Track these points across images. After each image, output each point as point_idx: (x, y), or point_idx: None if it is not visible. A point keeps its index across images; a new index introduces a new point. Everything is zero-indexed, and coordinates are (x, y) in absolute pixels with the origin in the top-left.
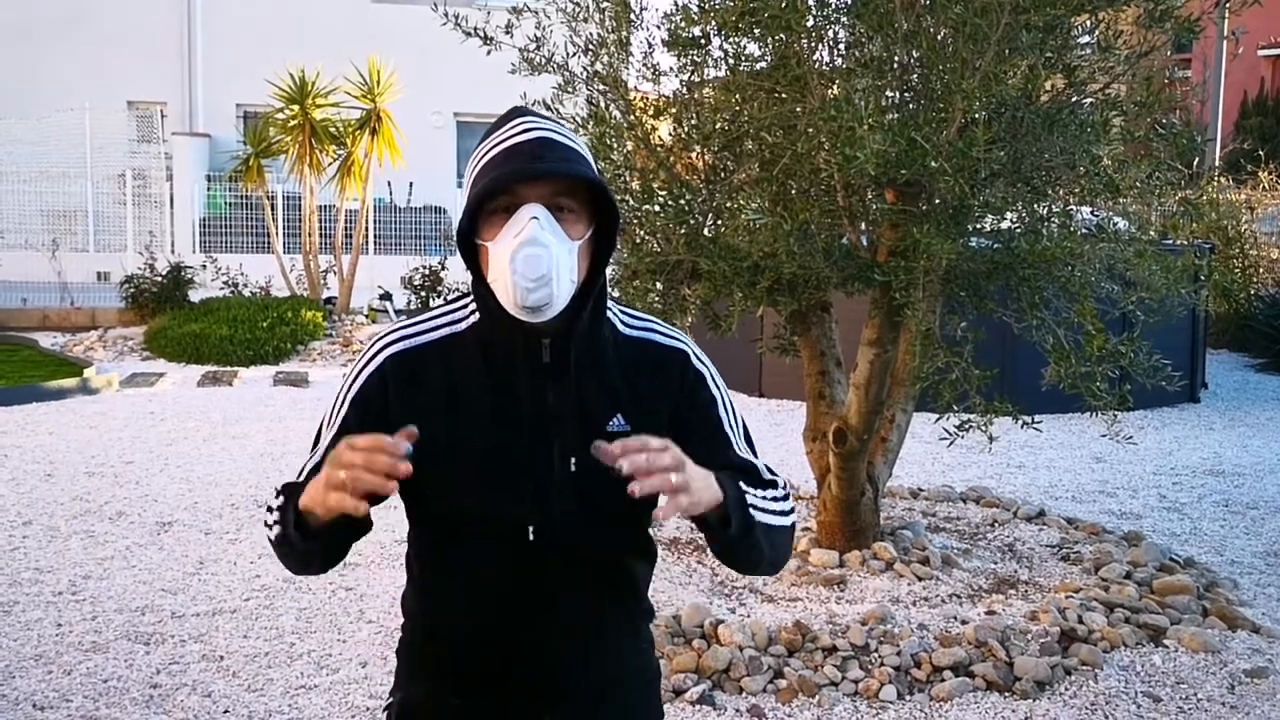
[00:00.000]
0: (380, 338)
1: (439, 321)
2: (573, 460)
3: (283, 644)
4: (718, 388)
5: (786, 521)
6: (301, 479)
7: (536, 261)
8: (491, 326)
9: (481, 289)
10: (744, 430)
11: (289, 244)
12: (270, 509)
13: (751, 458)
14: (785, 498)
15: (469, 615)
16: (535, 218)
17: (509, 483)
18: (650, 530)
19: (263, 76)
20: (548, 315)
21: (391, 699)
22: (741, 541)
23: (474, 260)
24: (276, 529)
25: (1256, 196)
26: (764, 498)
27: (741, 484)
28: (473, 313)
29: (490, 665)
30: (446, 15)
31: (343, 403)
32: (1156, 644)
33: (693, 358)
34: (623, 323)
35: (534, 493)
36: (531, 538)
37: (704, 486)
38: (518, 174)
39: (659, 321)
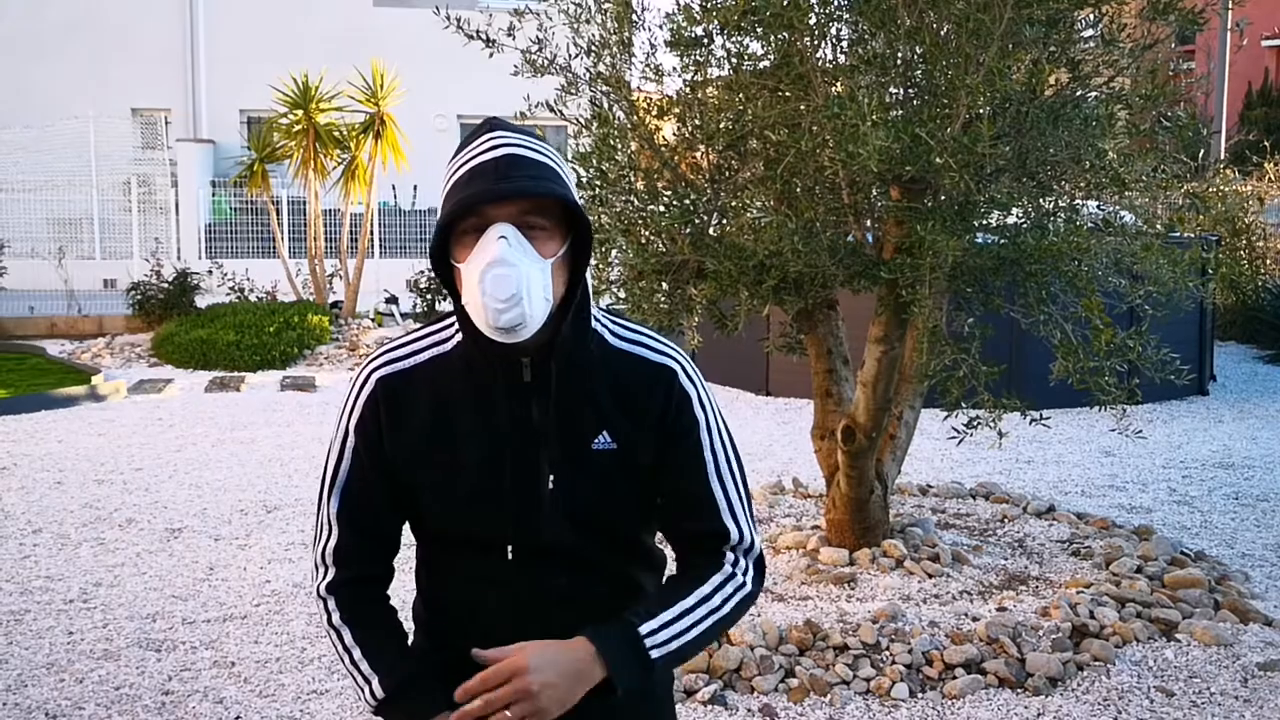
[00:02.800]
0: (369, 362)
1: (426, 342)
2: (561, 478)
3: (294, 649)
4: (704, 408)
5: (729, 605)
6: (339, 534)
7: (505, 282)
8: (473, 346)
9: (461, 309)
10: (727, 451)
11: (294, 248)
12: (334, 625)
13: (720, 490)
14: (740, 568)
15: (472, 627)
16: (503, 237)
17: (494, 502)
18: (654, 538)
19: (266, 82)
20: (523, 335)
21: None
22: (650, 677)
23: (451, 281)
24: (368, 703)
25: (1263, 188)
26: (693, 603)
27: (649, 624)
28: (458, 331)
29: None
30: (448, 18)
31: (347, 432)
32: (1168, 638)
33: (680, 376)
34: (611, 333)
35: (519, 511)
36: (510, 556)
37: (563, 691)
38: (483, 195)
39: (650, 333)
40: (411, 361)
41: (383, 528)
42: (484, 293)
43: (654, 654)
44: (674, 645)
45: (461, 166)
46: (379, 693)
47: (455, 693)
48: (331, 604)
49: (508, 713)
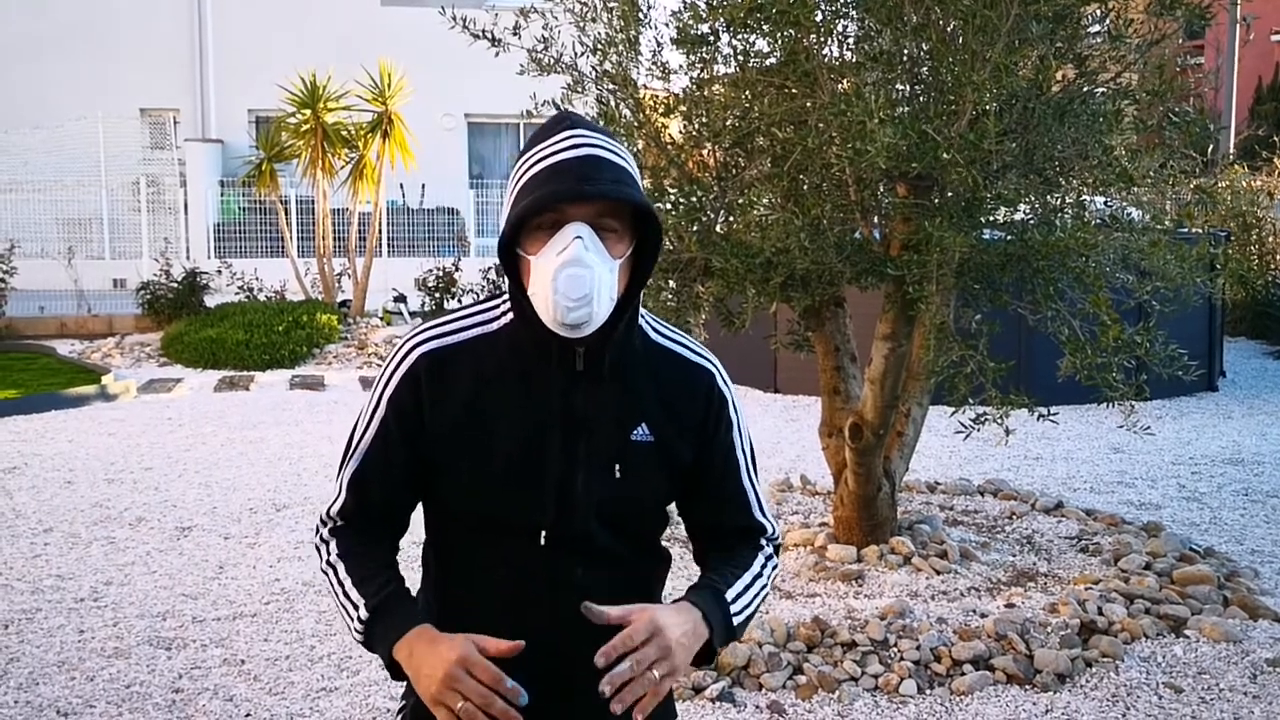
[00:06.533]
0: (412, 336)
1: (470, 321)
2: (600, 465)
3: (303, 647)
4: (736, 411)
5: (769, 586)
6: (345, 499)
7: (579, 282)
8: (527, 332)
9: (520, 297)
10: (751, 452)
11: (303, 248)
12: (330, 562)
13: (750, 488)
14: (764, 560)
15: (482, 615)
16: (580, 237)
17: (532, 486)
18: (663, 536)
19: (273, 81)
20: (586, 332)
21: (405, 702)
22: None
23: (513, 267)
24: (357, 631)
25: (1272, 182)
26: (746, 585)
27: (730, 592)
28: (505, 314)
29: (504, 665)
30: (454, 19)
31: (379, 402)
32: (1177, 634)
33: (719, 379)
34: (653, 329)
35: (556, 497)
36: (543, 541)
37: (688, 650)
38: (564, 195)
39: (685, 335)
40: (456, 339)
41: (392, 503)
42: (556, 290)
43: (734, 620)
44: (744, 615)
45: (540, 161)
46: (364, 615)
47: (597, 656)
48: (332, 545)
49: (655, 672)
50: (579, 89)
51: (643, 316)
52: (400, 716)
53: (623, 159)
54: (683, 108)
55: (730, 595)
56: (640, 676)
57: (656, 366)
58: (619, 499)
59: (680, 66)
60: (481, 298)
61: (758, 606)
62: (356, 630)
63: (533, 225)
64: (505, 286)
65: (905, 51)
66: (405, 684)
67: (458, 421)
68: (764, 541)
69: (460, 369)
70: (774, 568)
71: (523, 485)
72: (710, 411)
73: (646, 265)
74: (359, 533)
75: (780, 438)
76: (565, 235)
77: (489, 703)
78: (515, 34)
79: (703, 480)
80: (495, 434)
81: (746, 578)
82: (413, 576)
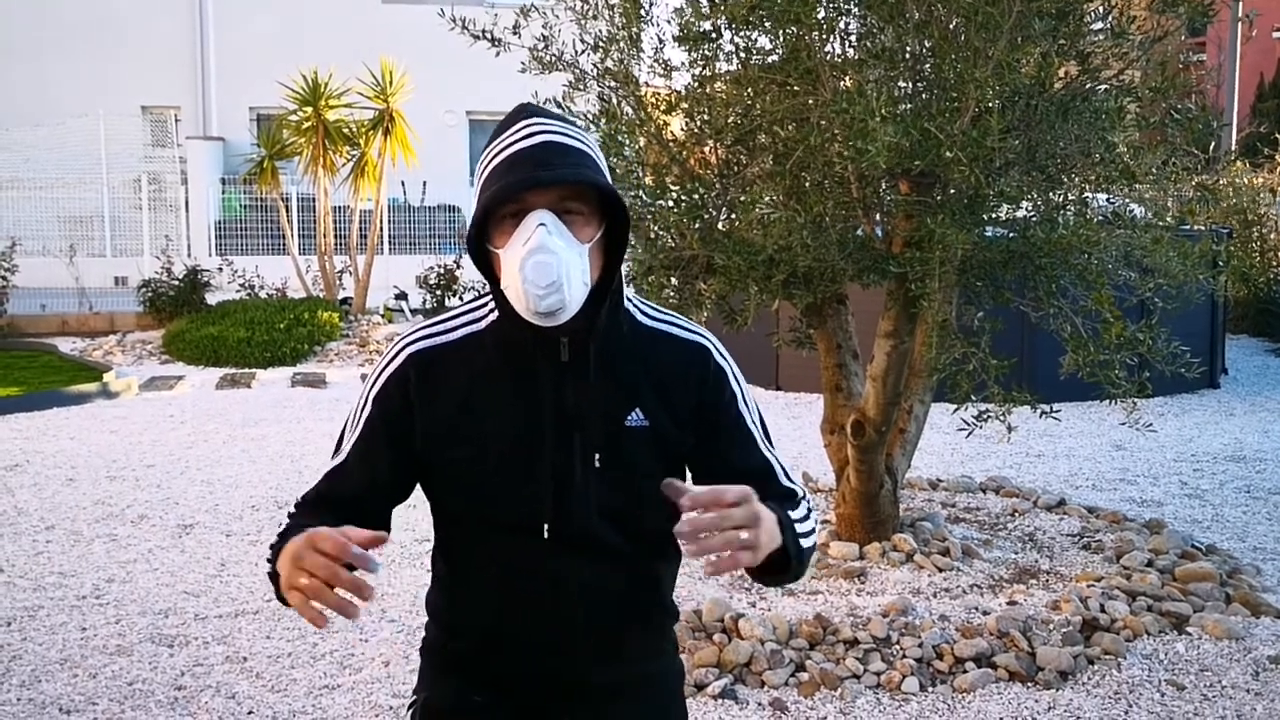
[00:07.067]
0: (402, 338)
1: (459, 321)
2: (595, 458)
3: (305, 644)
4: (738, 383)
5: (815, 536)
6: (319, 487)
7: (546, 269)
8: (510, 327)
9: (498, 292)
10: (762, 423)
11: (304, 245)
12: (279, 535)
13: (771, 457)
14: (807, 511)
15: (490, 613)
16: (543, 224)
17: (528, 481)
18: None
19: (275, 79)
20: (562, 319)
21: (415, 699)
22: (794, 573)
23: (487, 264)
24: (270, 567)
25: (1274, 180)
26: (799, 519)
27: (794, 515)
28: (492, 312)
29: (511, 664)
30: (454, 20)
31: (366, 400)
32: (1179, 632)
33: (715, 353)
34: (642, 313)
35: (553, 491)
36: (546, 535)
37: (770, 539)
38: (523, 183)
39: (676, 316)
40: (445, 339)
41: (367, 500)
42: (525, 279)
43: (802, 543)
44: (808, 543)
45: (500, 153)
46: (269, 555)
47: (683, 499)
48: (287, 521)
49: (744, 534)
50: (580, 86)
51: (629, 300)
52: (410, 713)
53: (583, 143)
54: (684, 105)
55: (794, 517)
56: (724, 531)
57: (647, 350)
58: (617, 490)
59: (682, 64)
60: (481, 294)
61: (814, 544)
62: (270, 563)
63: (498, 218)
64: None
65: (907, 49)
66: (415, 679)
67: (451, 421)
68: (799, 499)
69: (450, 368)
70: (815, 520)
71: (519, 482)
72: (708, 388)
73: (620, 246)
74: (318, 514)
75: (782, 435)
76: (528, 224)
77: (332, 574)
78: (515, 33)
79: (721, 456)
80: (488, 432)
81: (801, 512)
82: (421, 576)
